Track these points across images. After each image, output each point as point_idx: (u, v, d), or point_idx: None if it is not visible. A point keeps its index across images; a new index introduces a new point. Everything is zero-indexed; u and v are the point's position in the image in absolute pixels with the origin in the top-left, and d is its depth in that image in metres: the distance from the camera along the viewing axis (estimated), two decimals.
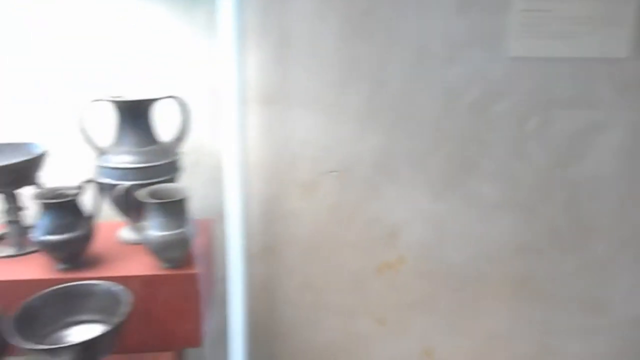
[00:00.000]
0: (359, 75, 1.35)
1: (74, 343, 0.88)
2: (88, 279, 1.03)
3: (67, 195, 1.06)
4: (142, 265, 1.10)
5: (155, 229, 1.03)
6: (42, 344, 0.92)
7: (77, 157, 1.26)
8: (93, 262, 1.11)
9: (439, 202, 1.46)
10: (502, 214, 1.48)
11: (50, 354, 0.87)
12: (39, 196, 1.04)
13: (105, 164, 1.12)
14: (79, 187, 1.07)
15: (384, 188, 1.45)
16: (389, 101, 1.37)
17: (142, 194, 1.04)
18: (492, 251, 1.52)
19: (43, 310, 0.96)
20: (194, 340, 1.11)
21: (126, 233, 1.21)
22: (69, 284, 0.99)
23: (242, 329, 0.70)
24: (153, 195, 1.06)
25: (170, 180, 1.16)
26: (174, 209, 1.04)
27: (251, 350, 1.39)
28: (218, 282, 1.34)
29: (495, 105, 1.39)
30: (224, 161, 1.25)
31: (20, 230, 1.13)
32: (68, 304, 0.98)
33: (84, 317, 0.99)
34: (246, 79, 1.30)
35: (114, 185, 1.10)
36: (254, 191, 1.41)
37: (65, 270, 1.08)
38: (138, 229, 1.11)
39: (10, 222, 1.12)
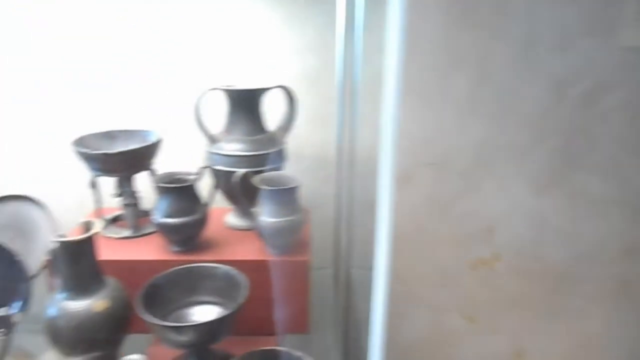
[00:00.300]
0: (461, 65, 1.32)
1: (198, 323, 0.91)
2: (201, 261, 1.07)
3: (185, 181, 1.10)
4: (252, 250, 1.12)
5: (267, 215, 1.05)
6: (165, 321, 0.96)
7: (188, 143, 1.31)
8: (205, 245, 1.14)
9: (540, 198, 1.41)
10: (608, 212, 1.40)
11: (176, 331, 0.91)
12: (159, 180, 1.08)
13: (217, 151, 1.15)
14: (197, 173, 1.10)
15: (482, 182, 1.41)
16: (492, 92, 1.33)
17: (257, 181, 1.06)
18: (594, 251, 1.45)
19: (166, 288, 1.00)
20: (302, 326, 1.13)
21: (233, 219, 1.24)
22: (191, 265, 1.03)
23: (381, 321, 0.70)
24: (265, 182, 1.08)
25: (277, 169, 1.18)
26: (287, 196, 1.06)
27: (343, 340, 1.39)
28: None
29: (606, 98, 1.32)
30: (331, 152, 1.26)
31: (136, 213, 1.19)
32: (189, 284, 1.02)
33: (203, 298, 1.03)
34: (347, 70, 1.30)
35: (226, 172, 1.13)
36: (350, 183, 1.41)
37: (180, 252, 1.12)
38: (248, 215, 1.13)
39: (126, 205, 1.18)
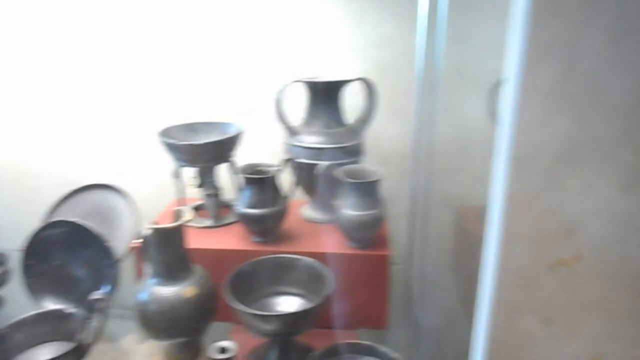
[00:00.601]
0: (547, 55, 1.26)
1: (285, 313, 0.92)
2: (281, 252, 1.08)
3: (267, 172, 1.11)
4: (332, 243, 1.12)
5: (349, 209, 1.05)
6: (250, 309, 0.98)
7: (265, 135, 1.33)
8: (284, 237, 1.15)
9: (630, 197, 1.32)
10: None
11: (263, 320, 0.92)
12: (242, 171, 1.10)
13: (297, 144, 1.16)
14: (280, 165, 1.11)
15: (565, 178, 1.34)
16: (580, 84, 1.26)
17: (340, 174, 1.06)
18: None
19: (250, 278, 1.02)
20: (380, 321, 1.12)
21: (309, 211, 1.25)
22: (275, 255, 1.04)
23: (487, 323, 0.67)
24: (347, 175, 1.07)
25: (355, 162, 1.17)
26: (369, 189, 1.05)
27: (415, 340, 1.37)
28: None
29: None
30: (406, 145, 1.24)
31: (217, 203, 1.22)
32: (272, 274, 1.03)
33: (285, 289, 1.04)
34: (428, 62, 1.28)
35: (307, 165, 1.13)
36: (427, 177, 1.38)
37: (260, 243, 1.13)
38: (326, 208, 1.13)
39: (208, 196, 1.21)
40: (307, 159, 1.14)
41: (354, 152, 1.17)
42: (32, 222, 1.57)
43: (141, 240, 1.00)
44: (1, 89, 1.47)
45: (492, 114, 1.20)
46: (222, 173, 1.26)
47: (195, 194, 1.32)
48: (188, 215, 0.97)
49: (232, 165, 1.23)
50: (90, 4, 1.37)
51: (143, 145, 1.49)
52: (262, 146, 1.31)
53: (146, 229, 0.96)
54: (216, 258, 1.11)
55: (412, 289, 1.41)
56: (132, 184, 1.50)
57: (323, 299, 0.92)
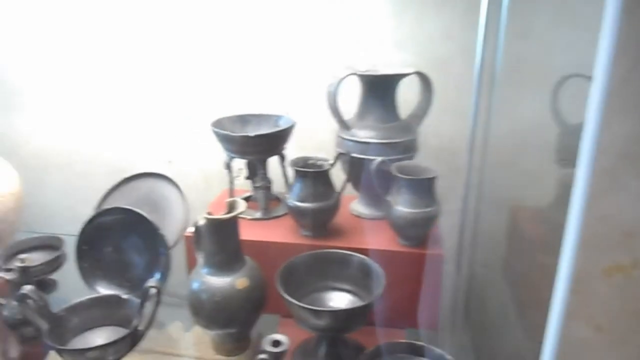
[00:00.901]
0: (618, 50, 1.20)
1: (338, 309, 0.91)
2: (332, 247, 1.07)
3: (319, 166, 1.10)
4: (384, 240, 1.10)
5: (404, 205, 1.02)
6: (301, 303, 0.97)
7: (315, 128, 1.32)
8: (335, 232, 1.14)
9: None
10: None
11: (314, 315, 0.91)
12: (295, 164, 1.09)
13: (350, 138, 1.14)
14: (331, 159, 1.09)
15: (626, 180, 1.28)
16: None
17: (394, 170, 1.03)
18: None
19: (302, 271, 1.01)
20: (431, 322, 1.10)
21: (359, 207, 1.23)
22: (327, 250, 1.03)
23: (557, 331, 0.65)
24: (401, 171, 1.05)
25: (409, 158, 1.14)
26: (425, 187, 1.02)
27: (462, 345, 1.34)
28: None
29: None
30: (460, 142, 1.20)
31: (267, 196, 1.21)
32: (323, 269, 1.02)
33: (336, 284, 1.03)
34: (486, 57, 1.23)
35: (360, 159, 1.11)
36: (481, 176, 1.34)
37: (310, 237, 1.13)
38: (377, 204, 1.12)
39: (258, 188, 1.21)
40: (359, 153, 1.12)
41: (407, 148, 1.14)
42: (85, 208, 1.62)
43: (194, 229, 1.01)
44: (58, 77, 1.52)
45: (556, 112, 1.15)
46: (272, 165, 1.26)
47: (243, 186, 1.33)
48: (242, 206, 0.97)
49: (283, 157, 1.23)
50: None
51: (192, 135, 1.51)
52: (310, 138, 1.30)
53: (200, 218, 0.96)
54: (265, 250, 1.11)
55: (461, 289, 1.38)
56: (181, 173, 1.53)
57: (376, 297, 0.90)
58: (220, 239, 0.96)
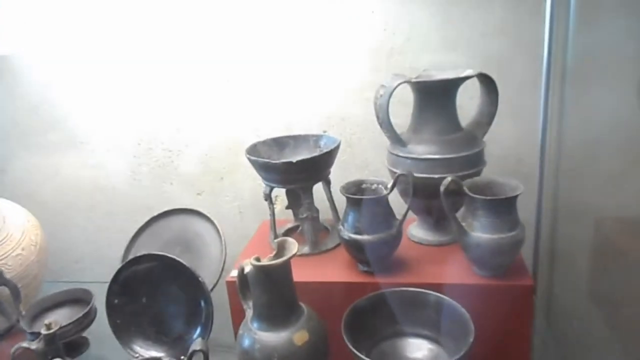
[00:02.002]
0: None
1: None
2: (396, 284, 0.92)
3: (375, 190, 0.96)
4: (456, 272, 0.95)
5: (482, 231, 0.87)
6: (369, 356, 0.82)
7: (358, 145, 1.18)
8: (396, 264, 0.99)
9: None
10: None
11: None
12: (346, 190, 0.95)
13: (406, 155, 0.99)
14: (394, 181, 0.94)
15: None
16: None
17: (469, 189, 0.88)
18: None
19: (367, 316, 0.86)
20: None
21: (419, 231, 1.08)
22: (398, 289, 0.88)
23: None
24: (473, 190, 0.89)
25: (477, 174, 0.99)
26: (506, 207, 0.87)
27: None
28: None
29: None
30: (526, 149, 1.04)
31: (315, 227, 1.07)
32: (392, 312, 0.87)
33: (409, 329, 0.88)
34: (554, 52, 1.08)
35: (423, 179, 0.96)
36: (555, 185, 1.18)
37: (369, 272, 0.98)
38: (441, 228, 0.96)
39: (304, 219, 1.06)
40: (419, 172, 0.97)
41: (475, 162, 0.99)
42: (110, 251, 1.50)
43: (238, 276, 0.87)
44: (75, 113, 1.40)
45: None
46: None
47: (279, 214, 1.18)
48: (294, 247, 0.82)
49: (329, 182, 1.09)
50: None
51: (220, 164, 1.38)
52: (353, 156, 1.15)
53: (247, 264, 0.82)
54: (318, 292, 0.96)
55: (540, 319, 1.20)
56: (212, 205, 1.40)
57: (467, 349, 0.75)
58: (272, 288, 0.82)
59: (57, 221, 1.49)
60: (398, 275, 0.96)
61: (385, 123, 0.98)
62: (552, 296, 1.26)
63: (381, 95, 0.96)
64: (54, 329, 0.90)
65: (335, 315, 0.90)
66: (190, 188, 1.42)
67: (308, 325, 0.84)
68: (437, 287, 0.89)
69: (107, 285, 1.33)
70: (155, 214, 1.30)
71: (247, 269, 0.83)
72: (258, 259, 0.81)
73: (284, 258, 0.80)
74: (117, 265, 1.29)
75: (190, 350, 0.81)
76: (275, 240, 0.85)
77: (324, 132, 1.27)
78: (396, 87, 0.94)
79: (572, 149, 1.13)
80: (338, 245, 1.09)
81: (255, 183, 1.38)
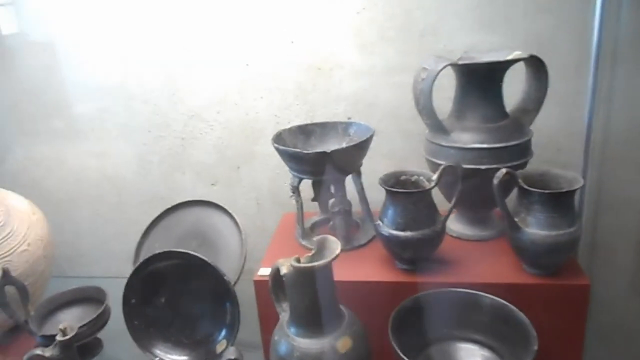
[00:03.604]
0: None
1: None
2: (439, 284, 0.85)
3: (417, 183, 0.88)
4: (504, 270, 0.88)
5: (538, 227, 0.80)
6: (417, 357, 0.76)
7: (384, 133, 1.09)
8: (438, 262, 0.92)
9: None
10: None
11: None
12: (385, 182, 0.87)
13: (449, 144, 0.91)
14: (440, 173, 0.86)
15: None
16: None
17: (524, 182, 0.81)
18: None
19: (416, 318, 0.80)
20: None
21: (459, 226, 1.01)
22: (443, 290, 0.82)
23: None
24: (528, 182, 0.82)
25: (524, 165, 0.92)
26: (564, 201, 0.80)
27: None
28: None
29: None
30: (568, 136, 0.97)
31: (348, 222, 0.99)
32: (441, 314, 0.81)
33: (459, 333, 0.81)
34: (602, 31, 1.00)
35: (469, 170, 0.88)
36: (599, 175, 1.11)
37: (409, 271, 0.91)
38: (482, 222, 0.89)
39: (336, 213, 0.98)
40: (465, 163, 0.89)
41: (524, 152, 0.92)
42: (119, 244, 1.42)
43: (272, 277, 0.80)
44: (80, 93, 1.31)
45: None
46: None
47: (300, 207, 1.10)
48: (337, 246, 0.75)
49: (360, 173, 1.01)
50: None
51: (236, 152, 1.29)
52: (379, 145, 1.07)
53: (284, 266, 0.75)
54: (354, 292, 0.88)
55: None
56: (227, 197, 1.32)
57: (533, 357, 0.68)
58: (313, 291, 0.74)
59: (61, 213, 1.40)
60: (441, 274, 0.89)
61: (427, 109, 0.90)
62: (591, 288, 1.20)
63: (423, 79, 0.89)
64: (70, 334, 0.82)
65: (373, 318, 0.83)
66: (204, 178, 1.34)
67: (351, 330, 0.78)
68: (485, 287, 0.83)
69: (116, 280, 1.25)
70: (169, 206, 1.22)
71: (284, 270, 0.75)
72: (298, 260, 0.74)
73: (328, 259, 0.73)
74: (126, 259, 1.22)
75: (225, 359, 0.74)
76: (315, 239, 0.77)
77: (349, 119, 1.19)
78: (441, 69, 0.86)
79: (623, 136, 1.06)
80: (371, 240, 1.02)
81: (274, 173, 1.30)
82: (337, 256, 0.73)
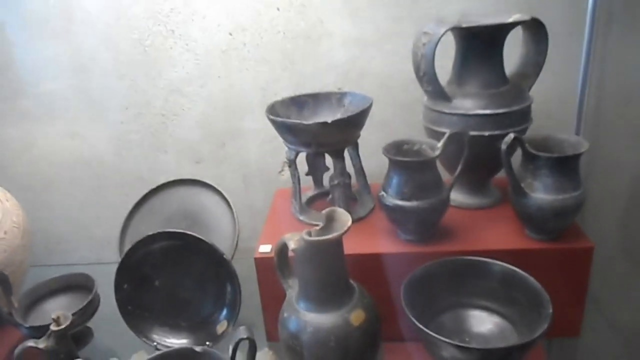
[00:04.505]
0: None
1: (500, 347, 0.69)
2: (444, 253, 0.84)
3: (420, 152, 0.86)
4: (507, 236, 0.88)
5: (545, 192, 0.80)
6: (427, 328, 0.74)
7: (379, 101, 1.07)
8: (441, 232, 0.91)
9: None
10: None
11: (461, 351, 0.69)
12: (387, 151, 0.85)
13: (451, 111, 0.89)
14: (445, 140, 0.84)
15: None
16: None
17: (531, 146, 0.80)
18: None
19: (426, 287, 0.78)
20: (573, 328, 0.89)
21: (459, 196, 0.99)
22: (454, 258, 0.80)
23: None
24: (534, 147, 0.82)
25: (524, 131, 0.91)
26: (570, 166, 0.80)
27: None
28: None
29: None
30: (559, 105, 0.97)
31: (347, 195, 0.97)
32: (450, 282, 0.80)
33: (469, 301, 0.80)
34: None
35: (475, 138, 0.87)
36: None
37: (414, 242, 0.89)
38: (482, 191, 0.89)
39: (335, 186, 0.96)
40: (468, 129, 0.87)
41: (524, 118, 0.91)
42: (99, 229, 1.36)
43: (278, 252, 0.77)
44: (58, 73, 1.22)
45: None
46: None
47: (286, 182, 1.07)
48: (347, 218, 0.72)
49: (356, 145, 0.98)
50: None
51: (217, 128, 1.24)
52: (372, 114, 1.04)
53: (293, 240, 0.72)
54: (359, 264, 0.86)
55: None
56: (213, 175, 1.27)
57: (545, 326, 0.68)
58: (324, 265, 0.72)
59: (34, 199, 1.32)
60: (445, 243, 0.88)
61: (429, 76, 0.88)
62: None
63: (424, 44, 0.86)
64: (65, 323, 0.77)
65: (379, 289, 0.83)
66: (188, 156, 1.28)
67: (362, 303, 0.76)
68: (490, 254, 0.82)
69: (99, 266, 1.19)
70: (152, 187, 1.17)
71: (293, 244, 0.72)
72: (310, 234, 0.71)
73: (341, 232, 0.70)
74: (107, 245, 1.16)
75: (237, 339, 0.71)
76: (323, 212, 0.75)
77: (339, 89, 1.15)
78: (444, 33, 0.83)
79: (616, 101, 1.07)
80: (369, 212, 1.00)
81: (261, 149, 1.26)
82: (349, 228, 0.71)
